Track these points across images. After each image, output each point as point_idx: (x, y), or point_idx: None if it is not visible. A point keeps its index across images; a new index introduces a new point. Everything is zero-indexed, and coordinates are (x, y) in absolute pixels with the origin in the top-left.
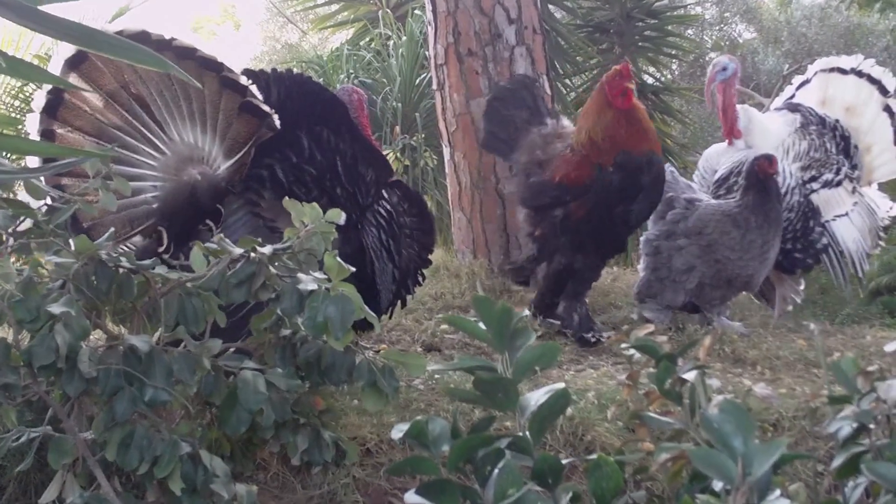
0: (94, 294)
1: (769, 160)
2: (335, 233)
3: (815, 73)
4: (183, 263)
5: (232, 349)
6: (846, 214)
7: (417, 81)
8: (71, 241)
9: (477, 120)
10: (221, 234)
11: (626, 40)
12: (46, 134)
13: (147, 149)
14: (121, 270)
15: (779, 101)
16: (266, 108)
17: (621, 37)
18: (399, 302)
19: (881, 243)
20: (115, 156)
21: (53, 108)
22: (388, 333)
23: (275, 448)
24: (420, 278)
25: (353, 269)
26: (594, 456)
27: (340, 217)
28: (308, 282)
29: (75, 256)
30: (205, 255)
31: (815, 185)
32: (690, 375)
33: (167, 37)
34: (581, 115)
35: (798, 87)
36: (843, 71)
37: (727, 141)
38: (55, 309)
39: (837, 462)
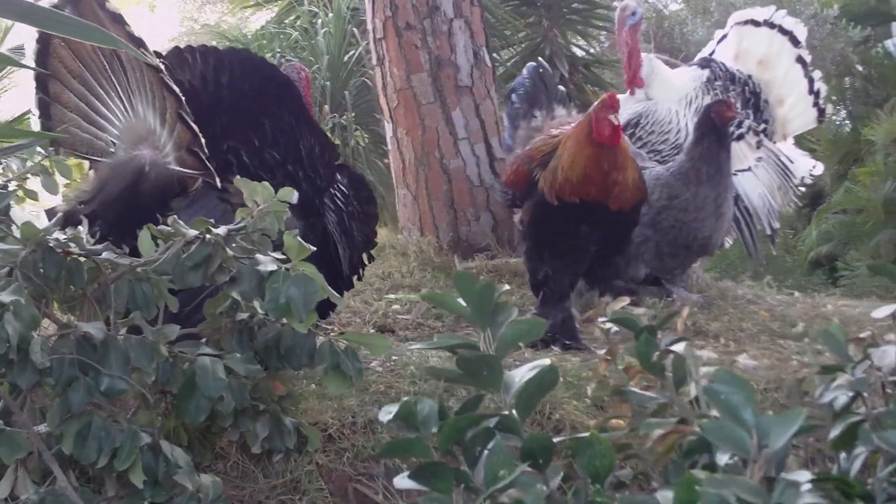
0: (43, 281)
1: (727, 104)
2: (288, 211)
3: (732, 27)
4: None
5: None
6: (749, 169)
7: (346, 59)
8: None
9: (419, 95)
10: (175, 217)
11: (554, 13)
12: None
13: (116, 110)
14: (69, 257)
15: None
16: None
17: (549, 10)
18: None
19: (795, 200)
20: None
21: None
22: (338, 316)
23: (234, 436)
24: (368, 260)
25: (314, 249)
26: (586, 434)
27: (293, 196)
28: (267, 262)
29: (22, 243)
30: (154, 239)
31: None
32: (680, 347)
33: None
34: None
35: (718, 42)
36: (756, 23)
37: (628, 91)
38: (4, 297)
39: (835, 432)
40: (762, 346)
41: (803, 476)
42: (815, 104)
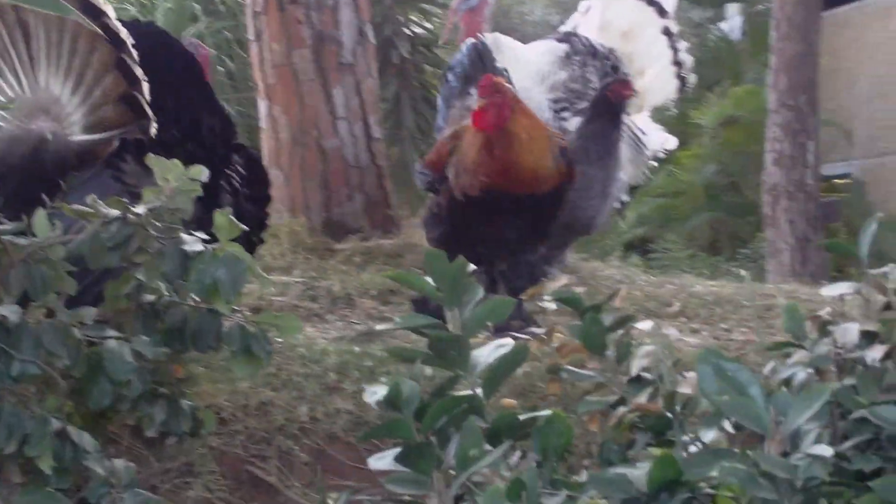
0: None
1: (625, 83)
2: (200, 190)
3: None
4: None
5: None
6: None
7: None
8: None
9: (299, 71)
10: (94, 196)
11: None
12: None
13: (10, 80)
14: None
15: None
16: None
17: None
18: None
19: (647, 173)
20: None
21: None
22: None
23: (131, 420)
24: (259, 242)
25: (246, 229)
26: (548, 413)
27: (203, 174)
28: (193, 243)
29: None
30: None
31: (565, 115)
32: (646, 326)
33: None
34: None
35: (584, 13)
36: None
37: None
38: None
39: None
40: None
41: (827, 451)
42: (678, 74)
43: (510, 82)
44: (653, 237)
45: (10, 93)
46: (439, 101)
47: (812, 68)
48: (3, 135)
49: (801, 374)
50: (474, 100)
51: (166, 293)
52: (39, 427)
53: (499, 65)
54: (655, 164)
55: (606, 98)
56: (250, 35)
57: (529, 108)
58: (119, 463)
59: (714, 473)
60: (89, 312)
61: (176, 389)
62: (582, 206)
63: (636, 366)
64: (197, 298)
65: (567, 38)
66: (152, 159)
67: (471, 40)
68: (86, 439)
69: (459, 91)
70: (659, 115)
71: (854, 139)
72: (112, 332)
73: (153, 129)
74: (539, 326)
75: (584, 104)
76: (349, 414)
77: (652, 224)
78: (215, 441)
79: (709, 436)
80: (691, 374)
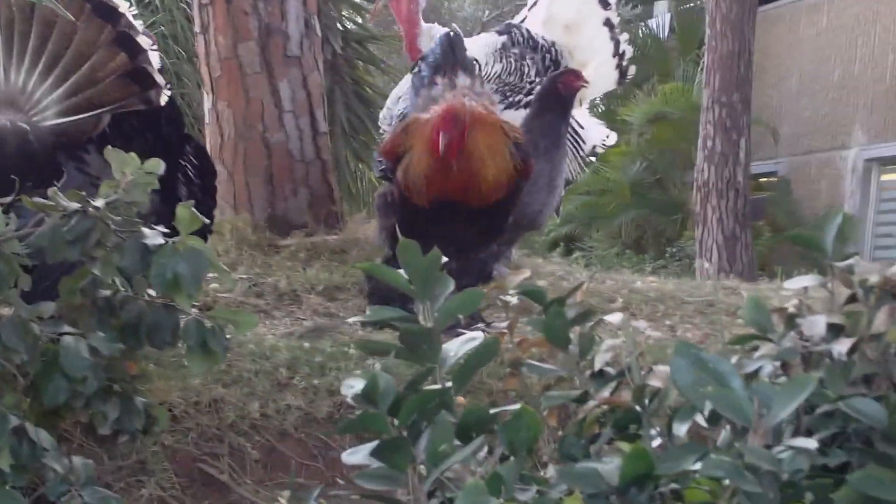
0: None
1: (576, 74)
2: (156, 183)
3: None
4: None
5: None
6: None
7: None
8: None
9: (245, 65)
10: (55, 188)
11: None
12: None
13: None
14: None
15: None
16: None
17: None
18: None
19: (585, 169)
20: None
21: None
22: None
23: (84, 418)
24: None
25: (207, 221)
26: (517, 406)
27: (160, 167)
28: (154, 236)
29: None
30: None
31: (499, 108)
32: (614, 318)
33: None
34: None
35: (530, 8)
36: None
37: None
38: None
39: None
40: None
41: (810, 443)
42: (619, 66)
43: (480, 73)
44: (579, 235)
45: None
46: (409, 91)
47: (746, 66)
48: None
49: (768, 368)
50: (440, 89)
51: (122, 288)
52: None
53: (469, 54)
54: (594, 159)
55: (556, 90)
56: (196, 28)
57: (489, 113)
58: (77, 460)
59: (690, 467)
60: (48, 308)
61: (129, 387)
62: (528, 200)
63: (600, 360)
64: (153, 293)
65: (507, 29)
66: (109, 152)
67: (444, 30)
68: (43, 436)
69: (429, 80)
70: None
71: (780, 137)
72: (68, 329)
73: (163, 96)
74: (486, 323)
75: (519, 97)
76: (299, 410)
77: (577, 222)
78: (168, 439)
79: (682, 429)
80: (660, 368)
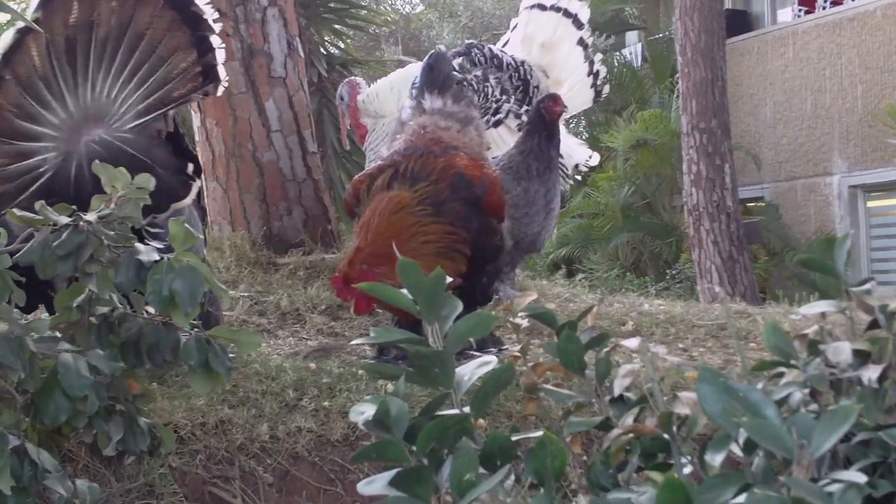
0: None
1: (553, 99)
2: (148, 199)
3: (521, 11)
4: None
5: None
6: None
7: None
8: None
9: (230, 84)
10: (43, 202)
11: (311, 12)
12: None
13: (55, 103)
14: None
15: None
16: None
17: (306, 8)
18: None
19: (567, 187)
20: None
21: (10, 53)
22: None
23: (87, 438)
24: None
25: (201, 238)
26: (539, 433)
27: (151, 182)
28: (148, 252)
29: None
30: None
31: (476, 124)
32: (632, 343)
33: None
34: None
35: (512, 30)
36: (542, 7)
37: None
38: None
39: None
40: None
41: (859, 477)
42: (594, 86)
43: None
44: (577, 257)
45: (69, 107)
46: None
47: (720, 93)
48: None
49: (797, 395)
50: (408, 114)
51: (119, 305)
52: None
53: (456, 73)
54: (579, 177)
55: (541, 115)
56: None
57: (397, 219)
58: (82, 483)
59: (737, 500)
60: (43, 324)
61: (132, 406)
62: (526, 222)
63: (619, 385)
64: (151, 311)
65: (467, 49)
66: (98, 167)
67: (432, 52)
68: (45, 457)
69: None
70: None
71: (762, 164)
72: (66, 346)
73: (221, 89)
74: (499, 348)
75: (487, 117)
76: (311, 433)
77: (574, 244)
78: (175, 461)
79: (717, 459)
80: (685, 394)
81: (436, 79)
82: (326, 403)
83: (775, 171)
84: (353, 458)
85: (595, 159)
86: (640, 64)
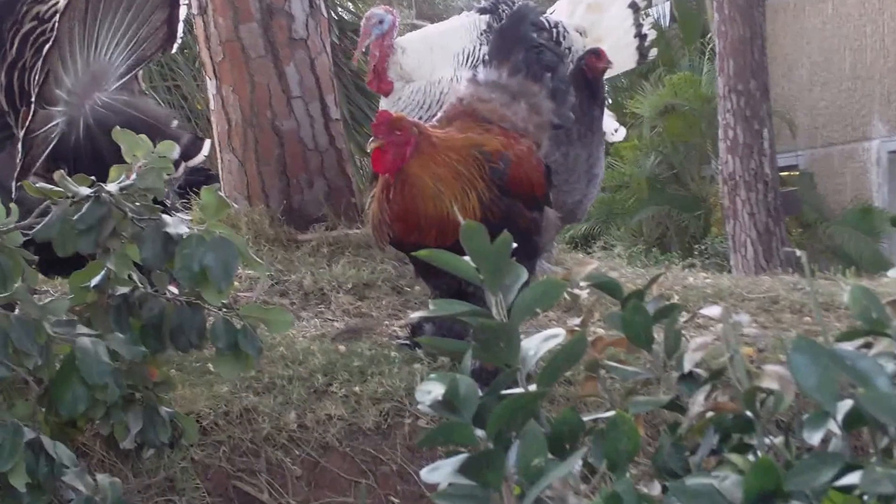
0: None
1: (597, 54)
2: (172, 168)
3: None
4: None
5: None
6: None
7: None
8: None
9: (248, 47)
10: (62, 171)
11: None
12: None
13: (71, 66)
14: None
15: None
16: None
17: None
18: None
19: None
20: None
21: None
22: None
23: (104, 430)
24: None
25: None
26: (611, 413)
27: (174, 150)
28: (176, 224)
29: None
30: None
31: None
32: (713, 311)
33: None
34: None
35: None
36: None
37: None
38: None
39: None
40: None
41: None
42: (639, 47)
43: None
44: (598, 233)
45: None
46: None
47: (759, 52)
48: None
49: (892, 366)
50: (463, 86)
51: (140, 284)
52: (10, 437)
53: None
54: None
55: (582, 73)
56: (194, 9)
57: (450, 137)
58: (102, 479)
59: (846, 480)
60: (62, 304)
61: (152, 395)
62: (567, 189)
63: (689, 360)
64: (174, 290)
65: (494, 6)
66: (118, 133)
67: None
68: (62, 451)
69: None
70: None
71: (797, 129)
72: (84, 329)
73: (174, 47)
74: None
75: None
76: (342, 420)
77: (595, 219)
78: (197, 453)
79: (815, 437)
80: (769, 367)
81: (502, 46)
82: (357, 389)
83: (811, 138)
84: (420, 443)
85: (621, 133)
86: (668, 24)
